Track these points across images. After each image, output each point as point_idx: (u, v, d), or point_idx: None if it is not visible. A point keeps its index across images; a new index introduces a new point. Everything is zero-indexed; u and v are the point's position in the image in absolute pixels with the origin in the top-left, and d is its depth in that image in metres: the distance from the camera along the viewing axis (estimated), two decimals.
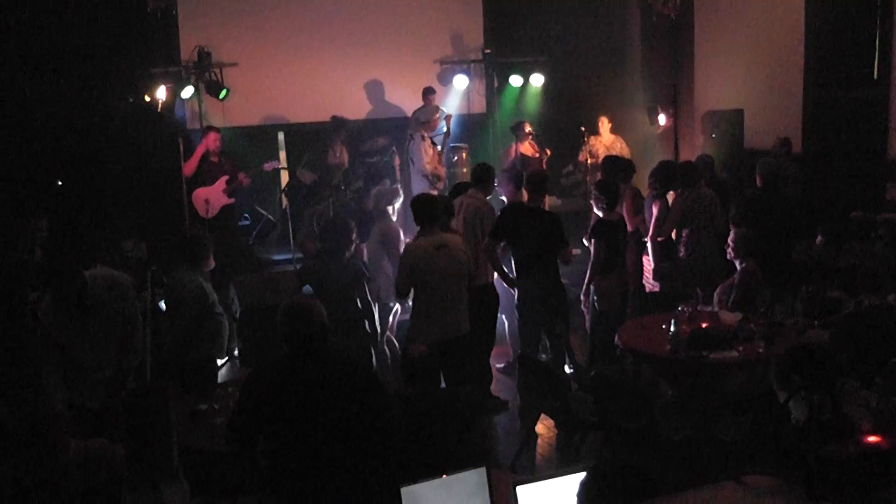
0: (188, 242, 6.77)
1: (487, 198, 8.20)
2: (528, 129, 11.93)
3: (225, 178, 10.60)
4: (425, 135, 11.29)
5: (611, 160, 9.64)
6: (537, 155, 11.89)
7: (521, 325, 7.81)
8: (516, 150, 11.95)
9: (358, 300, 7.14)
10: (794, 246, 8.37)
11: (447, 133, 11.71)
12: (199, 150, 10.62)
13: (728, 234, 7.83)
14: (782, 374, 3.70)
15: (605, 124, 12.26)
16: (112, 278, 6.06)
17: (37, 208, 8.26)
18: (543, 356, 8.09)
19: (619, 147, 12.08)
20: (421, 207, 6.96)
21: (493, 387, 7.95)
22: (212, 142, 10.60)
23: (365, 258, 8.31)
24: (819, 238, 7.72)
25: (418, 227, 7.03)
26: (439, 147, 11.52)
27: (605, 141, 12.21)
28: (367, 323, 7.25)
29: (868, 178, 10.10)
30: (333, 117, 11.71)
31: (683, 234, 8.47)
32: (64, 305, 5.72)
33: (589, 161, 12.18)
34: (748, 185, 9.99)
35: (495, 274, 7.87)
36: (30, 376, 4.80)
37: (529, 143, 11.94)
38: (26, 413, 3.60)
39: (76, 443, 3.69)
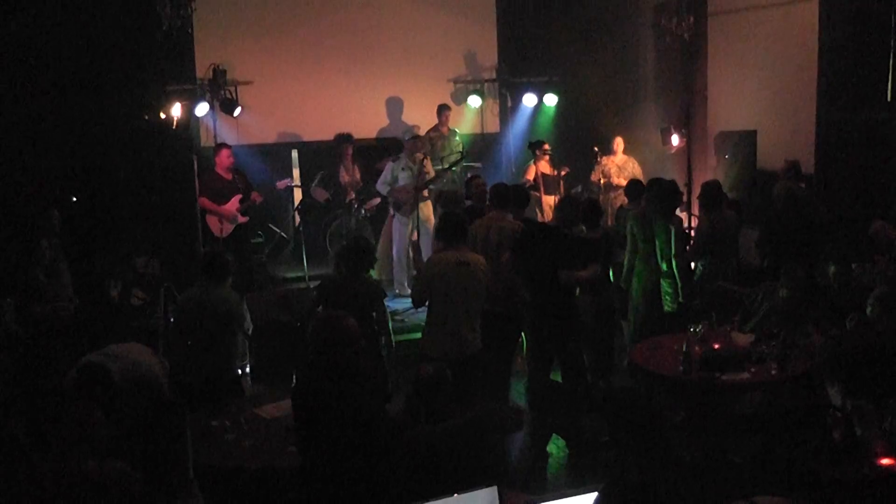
0: (225, 260, 6.87)
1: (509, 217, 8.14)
2: (546, 147, 11.94)
3: (238, 196, 10.62)
4: (401, 155, 11.21)
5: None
6: (555, 173, 11.90)
7: (532, 345, 7.77)
8: (536, 170, 11.94)
9: (375, 316, 7.21)
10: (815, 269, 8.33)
11: (459, 160, 11.64)
12: (232, 207, 10.67)
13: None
14: (827, 370, 3.64)
15: (620, 145, 12.26)
16: (138, 376, 5.24)
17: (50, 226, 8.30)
18: None
19: (632, 167, 12.08)
20: (452, 225, 7.01)
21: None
22: (224, 158, 10.62)
23: None
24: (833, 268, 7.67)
25: (440, 242, 7.11)
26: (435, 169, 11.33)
27: (618, 161, 12.20)
28: (383, 338, 7.32)
29: (882, 200, 10.06)
30: (337, 135, 11.76)
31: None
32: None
33: (602, 181, 12.17)
34: (763, 207, 9.99)
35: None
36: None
37: (546, 161, 11.95)
38: (42, 428, 3.60)
39: (91, 464, 3.69)
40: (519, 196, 8.33)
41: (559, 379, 7.67)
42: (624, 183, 11.59)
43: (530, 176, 11.96)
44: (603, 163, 12.20)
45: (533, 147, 11.99)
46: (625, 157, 12.26)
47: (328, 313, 4.98)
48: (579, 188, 12.50)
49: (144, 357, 5.46)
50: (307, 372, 4.51)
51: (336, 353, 4.34)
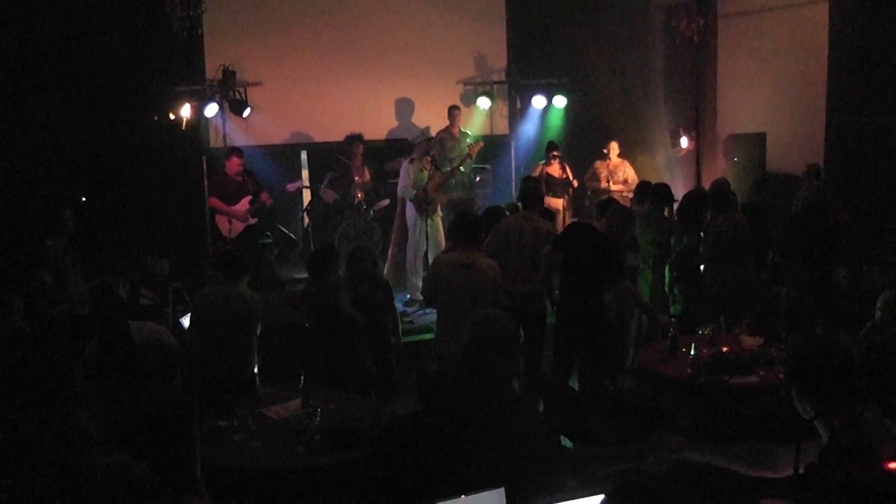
0: (242, 258, 6.87)
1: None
2: (556, 153, 11.84)
3: (248, 197, 10.65)
4: (414, 156, 11.11)
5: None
6: (563, 176, 11.85)
7: (555, 346, 7.74)
8: (542, 171, 11.91)
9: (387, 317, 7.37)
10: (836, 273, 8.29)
11: (466, 157, 11.60)
12: (241, 208, 10.74)
13: (757, 260, 7.80)
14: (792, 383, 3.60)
15: (614, 149, 12.13)
16: (153, 338, 5.44)
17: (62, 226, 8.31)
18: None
19: (623, 171, 11.99)
20: (463, 227, 6.97)
21: None
22: (234, 165, 10.66)
23: None
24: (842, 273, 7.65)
25: (449, 242, 7.18)
26: (442, 170, 11.21)
27: (611, 165, 12.08)
28: (392, 338, 7.53)
29: (892, 203, 10.03)
30: (348, 135, 11.74)
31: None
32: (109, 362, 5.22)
33: (590, 184, 12.14)
34: (778, 209, 9.98)
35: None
36: (60, 393, 4.79)
37: (556, 164, 11.91)
38: (51, 427, 3.60)
39: (98, 458, 3.69)
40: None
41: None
42: (613, 188, 11.61)
43: (535, 175, 11.92)
44: (595, 166, 12.15)
45: (549, 148, 11.93)
46: (619, 160, 12.14)
47: (491, 311, 4.68)
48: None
49: (155, 327, 5.46)
50: (452, 364, 4.38)
51: (489, 352, 4.06)
